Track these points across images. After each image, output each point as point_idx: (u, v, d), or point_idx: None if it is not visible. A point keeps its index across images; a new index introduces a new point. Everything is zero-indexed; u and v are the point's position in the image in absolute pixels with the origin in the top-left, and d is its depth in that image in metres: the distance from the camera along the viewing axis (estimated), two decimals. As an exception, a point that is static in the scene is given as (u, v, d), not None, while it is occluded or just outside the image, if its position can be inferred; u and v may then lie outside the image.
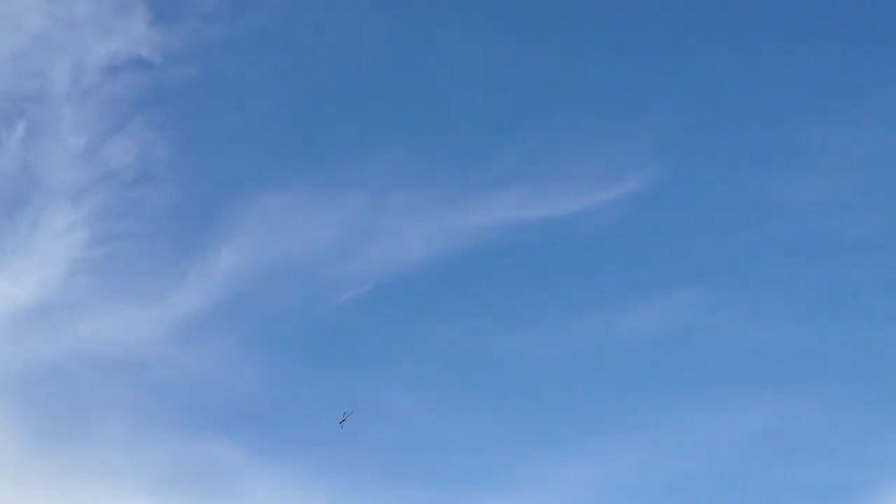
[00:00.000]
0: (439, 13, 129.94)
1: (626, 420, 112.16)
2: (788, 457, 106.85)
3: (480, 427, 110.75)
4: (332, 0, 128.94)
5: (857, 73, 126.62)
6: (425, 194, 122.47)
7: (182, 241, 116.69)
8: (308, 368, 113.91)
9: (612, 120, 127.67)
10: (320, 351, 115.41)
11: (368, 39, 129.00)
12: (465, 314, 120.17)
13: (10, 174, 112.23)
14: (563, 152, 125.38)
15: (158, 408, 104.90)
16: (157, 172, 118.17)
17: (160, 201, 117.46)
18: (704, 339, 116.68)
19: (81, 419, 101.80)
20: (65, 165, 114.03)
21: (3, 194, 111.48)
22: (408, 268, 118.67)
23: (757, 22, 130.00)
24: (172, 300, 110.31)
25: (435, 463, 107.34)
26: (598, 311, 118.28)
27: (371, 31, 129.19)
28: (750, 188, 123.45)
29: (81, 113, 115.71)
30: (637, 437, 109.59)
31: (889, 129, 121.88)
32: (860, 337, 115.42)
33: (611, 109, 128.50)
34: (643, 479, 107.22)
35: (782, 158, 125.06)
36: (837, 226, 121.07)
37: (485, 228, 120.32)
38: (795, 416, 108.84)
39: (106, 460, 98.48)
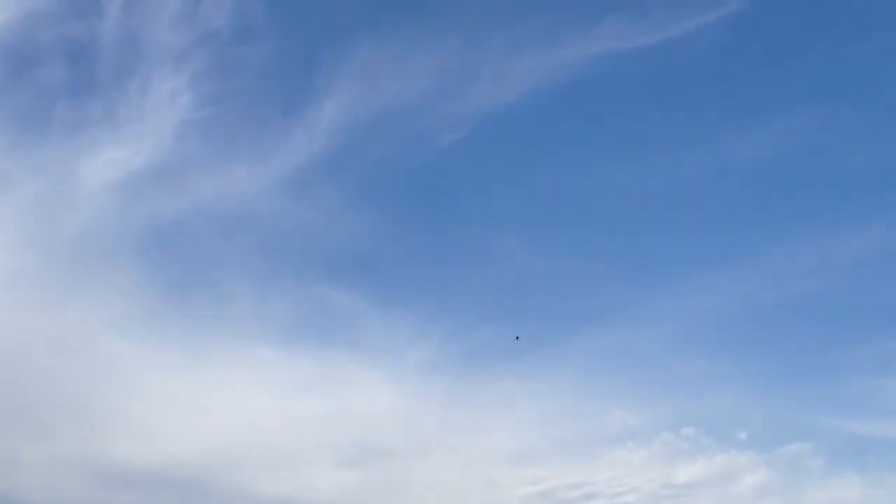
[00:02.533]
0: None
1: (739, 248, 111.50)
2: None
3: (589, 264, 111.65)
4: None
5: None
6: (521, 31, 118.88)
7: (284, 97, 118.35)
8: (414, 214, 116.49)
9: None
10: (425, 196, 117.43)
11: None
12: (568, 150, 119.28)
13: (114, 42, 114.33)
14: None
15: (274, 259, 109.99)
16: (253, 30, 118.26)
17: (259, 59, 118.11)
18: (819, 160, 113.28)
19: (204, 273, 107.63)
20: (165, 29, 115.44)
21: (110, 62, 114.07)
22: (507, 107, 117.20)
23: None
24: (279, 155, 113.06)
25: (545, 301, 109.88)
26: (707, 141, 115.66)
27: None
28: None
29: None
30: (750, 265, 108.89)
31: None
32: None
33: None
34: (756, 306, 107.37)
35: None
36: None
37: (584, 61, 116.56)
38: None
39: (230, 311, 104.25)
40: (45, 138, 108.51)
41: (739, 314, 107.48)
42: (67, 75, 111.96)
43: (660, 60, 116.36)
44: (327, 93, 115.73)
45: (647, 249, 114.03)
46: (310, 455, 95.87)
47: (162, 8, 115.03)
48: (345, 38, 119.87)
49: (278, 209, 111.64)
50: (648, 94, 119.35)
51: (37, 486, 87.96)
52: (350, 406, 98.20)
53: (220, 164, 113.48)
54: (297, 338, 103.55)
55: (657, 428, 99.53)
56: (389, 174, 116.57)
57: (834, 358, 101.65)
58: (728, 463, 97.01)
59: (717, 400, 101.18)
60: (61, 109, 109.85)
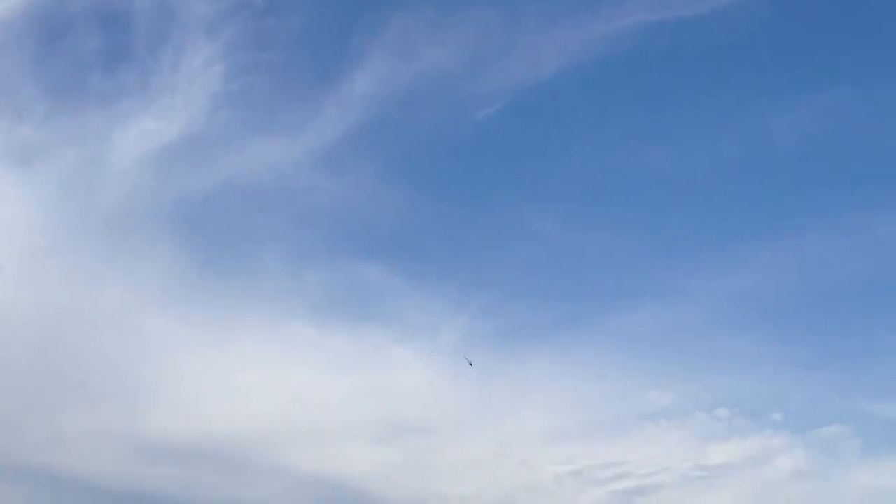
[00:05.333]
0: None
1: (780, 227, 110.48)
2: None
3: (626, 242, 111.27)
4: None
5: None
6: (557, 4, 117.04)
7: (316, 69, 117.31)
8: (449, 189, 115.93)
9: None
10: (460, 172, 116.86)
11: None
12: (605, 127, 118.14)
13: (148, 10, 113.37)
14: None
15: (308, 234, 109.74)
16: (288, 0, 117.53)
17: (292, 30, 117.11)
18: (863, 138, 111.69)
19: (238, 247, 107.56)
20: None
21: (144, 32, 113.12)
22: (543, 82, 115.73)
23: None
24: (312, 129, 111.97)
25: (578, 279, 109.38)
26: (748, 117, 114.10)
27: None
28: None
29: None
30: (791, 244, 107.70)
31: None
32: None
33: None
34: (796, 286, 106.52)
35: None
36: None
37: (620, 35, 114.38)
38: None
39: (266, 287, 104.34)
40: (81, 108, 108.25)
41: (778, 294, 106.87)
42: (101, 45, 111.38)
43: (698, 34, 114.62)
44: (361, 65, 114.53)
45: (685, 227, 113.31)
46: (344, 432, 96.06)
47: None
48: (379, 9, 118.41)
49: (312, 183, 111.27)
50: (686, 70, 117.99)
51: (75, 457, 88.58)
52: (384, 383, 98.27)
53: (252, 136, 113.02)
54: (332, 313, 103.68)
55: (691, 408, 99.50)
56: (424, 149, 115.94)
57: (874, 341, 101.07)
58: (762, 445, 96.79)
59: (753, 380, 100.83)
60: (95, 79, 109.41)
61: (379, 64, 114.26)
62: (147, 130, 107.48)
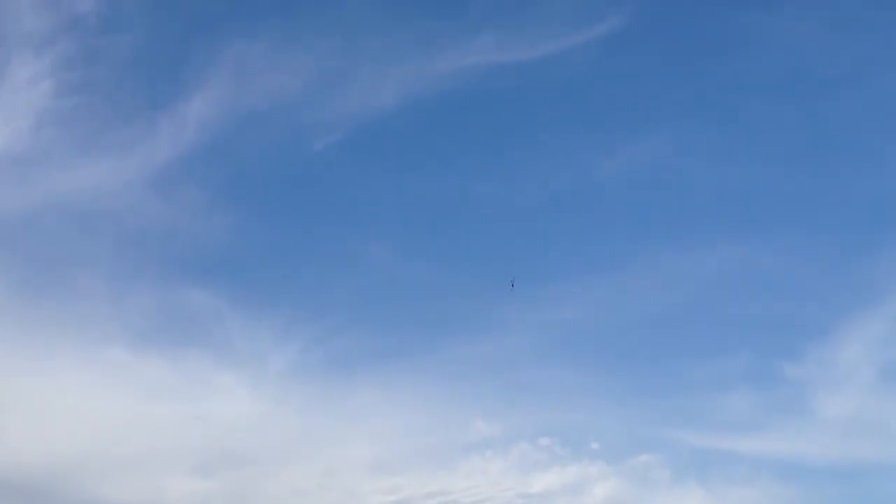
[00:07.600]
0: None
1: (601, 263, 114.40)
2: (757, 294, 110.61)
3: (455, 273, 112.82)
4: None
5: None
6: (398, 39, 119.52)
7: (151, 90, 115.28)
8: (281, 216, 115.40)
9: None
10: (294, 199, 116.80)
11: None
12: (440, 161, 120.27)
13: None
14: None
15: (134, 258, 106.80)
16: (121, 18, 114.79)
17: (127, 49, 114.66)
18: (678, 181, 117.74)
19: (58, 270, 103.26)
20: (26, 11, 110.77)
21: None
22: (382, 114, 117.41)
23: None
24: (143, 151, 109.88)
25: (410, 309, 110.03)
26: (574, 157, 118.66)
27: None
28: (725, 25, 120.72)
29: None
30: (611, 279, 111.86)
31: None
32: (832, 177, 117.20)
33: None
34: (613, 319, 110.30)
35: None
36: (812, 63, 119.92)
37: (459, 74, 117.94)
38: (766, 255, 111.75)
39: (84, 311, 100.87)
40: None
41: (598, 327, 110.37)
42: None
43: (533, 76, 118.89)
44: (197, 87, 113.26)
45: (513, 261, 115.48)
46: (162, 461, 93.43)
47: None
48: (217, 32, 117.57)
49: (140, 205, 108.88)
50: (521, 109, 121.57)
51: None
52: (207, 411, 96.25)
53: (80, 156, 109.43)
54: (154, 339, 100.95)
55: (515, 437, 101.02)
56: (259, 175, 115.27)
57: (684, 372, 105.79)
58: (580, 473, 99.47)
59: (574, 411, 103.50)
60: None
61: (215, 87, 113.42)
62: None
